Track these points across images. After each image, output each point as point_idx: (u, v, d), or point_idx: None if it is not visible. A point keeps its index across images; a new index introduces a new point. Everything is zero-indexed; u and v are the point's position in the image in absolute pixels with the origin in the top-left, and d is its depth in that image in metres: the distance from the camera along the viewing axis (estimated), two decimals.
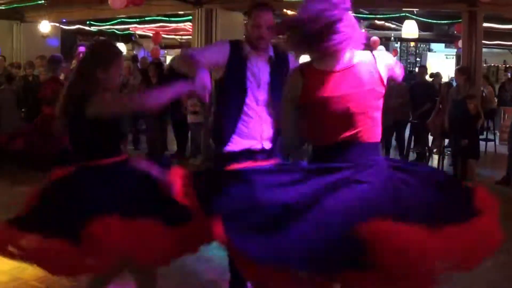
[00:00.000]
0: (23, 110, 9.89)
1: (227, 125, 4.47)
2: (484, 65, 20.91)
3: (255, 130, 4.45)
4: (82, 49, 8.19)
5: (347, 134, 3.23)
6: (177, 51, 22.84)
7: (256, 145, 4.44)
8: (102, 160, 3.79)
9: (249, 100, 4.42)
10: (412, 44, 31.32)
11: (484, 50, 13.08)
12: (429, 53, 29.97)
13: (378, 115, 3.34)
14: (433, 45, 29.52)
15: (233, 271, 4.53)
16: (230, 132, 4.44)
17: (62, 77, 10.05)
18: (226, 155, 4.38)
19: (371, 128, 3.31)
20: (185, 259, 4.27)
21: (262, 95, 4.43)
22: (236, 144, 4.43)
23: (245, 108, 4.41)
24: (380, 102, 3.34)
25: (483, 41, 11.90)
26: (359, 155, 3.23)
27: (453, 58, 26.21)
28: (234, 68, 4.41)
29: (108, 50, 3.98)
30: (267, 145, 4.47)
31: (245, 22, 4.71)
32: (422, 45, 31.74)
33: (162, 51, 24.77)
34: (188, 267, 5.64)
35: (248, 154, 4.30)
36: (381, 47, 20.54)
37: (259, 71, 4.45)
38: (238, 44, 4.52)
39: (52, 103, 7.97)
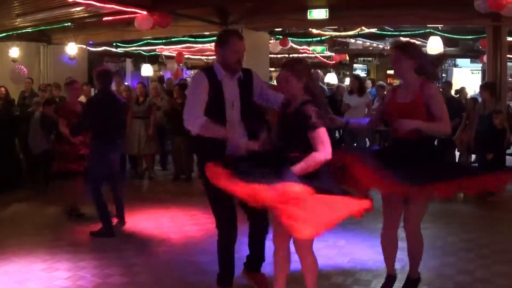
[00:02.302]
0: (54, 132, 9.86)
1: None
2: (510, 79, 20.78)
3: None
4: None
5: None
6: None
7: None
8: None
9: (228, 118, 4.94)
10: None
11: (509, 64, 13.05)
12: (454, 69, 29.79)
13: None
14: (459, 61, 29.39)
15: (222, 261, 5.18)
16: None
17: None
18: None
19: None
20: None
21: (236, 113, 4.99)
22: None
23: (227, 125, 4.91)
24: None
25: (508, 56, 11.88)
26: None
27: (478, 73, 26.08)
28: (213, 94, 4.93)
29: None
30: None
31: (219, 48, 5.31)
32: (447, 61, 31.63)
33: (189, 72, 24.96)
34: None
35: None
36: None
37: (231, 92, 5.01)
38: (212, 70, 5.08)
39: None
